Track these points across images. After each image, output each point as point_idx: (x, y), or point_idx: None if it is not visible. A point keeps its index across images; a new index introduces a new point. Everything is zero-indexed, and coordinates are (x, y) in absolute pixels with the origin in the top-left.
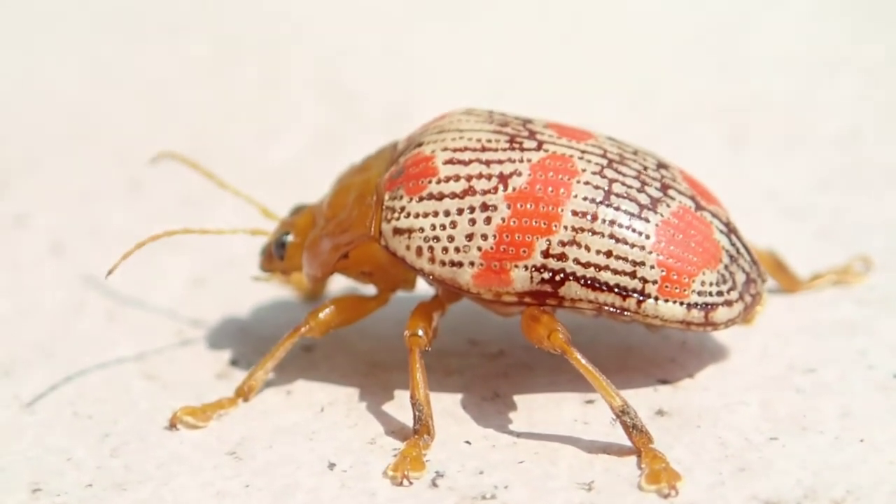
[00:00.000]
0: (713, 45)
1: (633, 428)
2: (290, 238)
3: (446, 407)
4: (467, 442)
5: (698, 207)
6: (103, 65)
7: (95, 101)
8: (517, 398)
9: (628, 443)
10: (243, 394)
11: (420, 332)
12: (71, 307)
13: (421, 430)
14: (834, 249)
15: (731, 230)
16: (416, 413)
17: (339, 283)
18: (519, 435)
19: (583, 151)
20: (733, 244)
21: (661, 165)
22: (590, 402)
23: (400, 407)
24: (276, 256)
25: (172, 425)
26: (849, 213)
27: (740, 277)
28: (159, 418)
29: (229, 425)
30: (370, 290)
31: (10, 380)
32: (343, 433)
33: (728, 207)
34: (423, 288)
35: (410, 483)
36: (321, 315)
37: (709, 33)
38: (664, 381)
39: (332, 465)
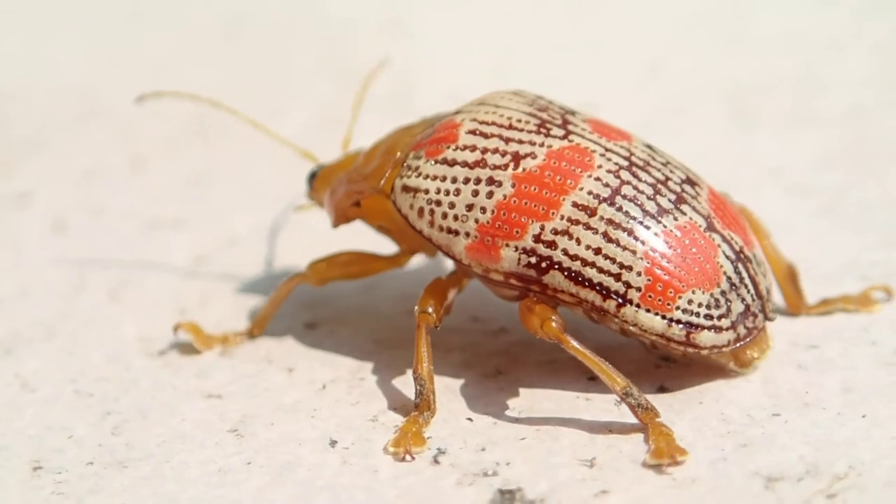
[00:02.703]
0: (719, 23)
1: (639, 407)
2: (317, 171)
3: (448, 384)
4: (469, 419)
5: (709, 228)
6: (108, 43)
7: (100, 80)
8: (519, 375)
9: (631, 419)
10: (249, 333)
11: (430, 310)
12: (73, 286)
13: (422, 405)
14: (837, 226)
15: (741, 259)
16: (418, 388)
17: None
18: (521, 412)
19: (607, 149)
20: (738, 273)
21: (687, 181)
22: (592, 378)
23: (402, 385)
24: (309, 189)
25: (175, 329)
26: (853, 191)
27: (737, 307)
28: (161, 396)
29: (231, 403)
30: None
31: (12, 358)
32: (345, 410)
33: (755, 241)
34: (439, 259)
35: (412, 458)
36: (320, 264)
37: (714, 11)
38: (666, 358)
39: (333, 443)
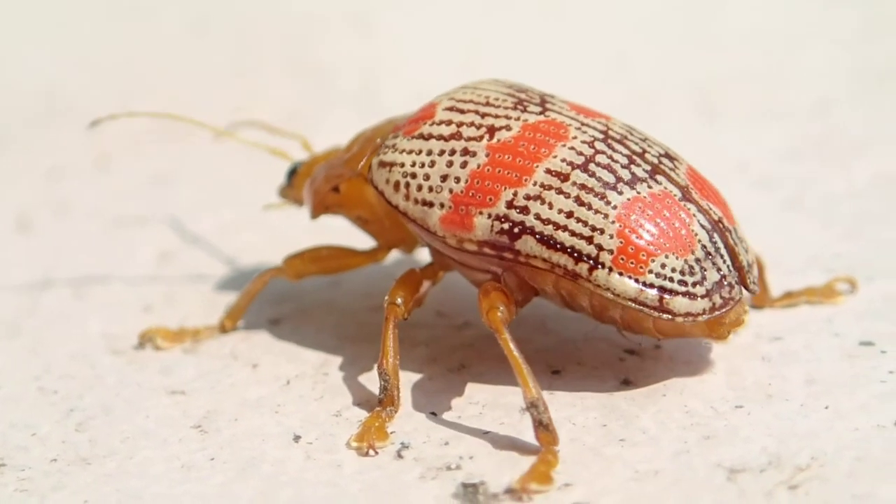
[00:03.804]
0: (684, 17)
1: (540, 425)
2: (300, 166)
3: (412, 379)
4: (433, 413)
5: (685, 198)
6: (73, 42)
7: (64, 79)
8: (483, 369)
9: (594, 413)
10: (221, 327)
11: (399, 301)
12: (37, 284)
13: (385, 401)
14: (802, 219)
15: (717, 230)
16: (382, 383)
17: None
18: (484, 406)
19: (583, 124)
20: (713, 242)
21: (666, 156)
22: (556, 372)
23: (366, 380)
24: (286, 184)
25: (141, 343)
26: (818, 183)
27: (712, 276)
28: (125, 393)
29: (195, 399)
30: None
31: None
32: (309, 406)
33: (735, 218)
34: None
35: (376, 453)
36: (296, 258)
37: (680, 5)
38: (631, 352)
39: (297, 438)
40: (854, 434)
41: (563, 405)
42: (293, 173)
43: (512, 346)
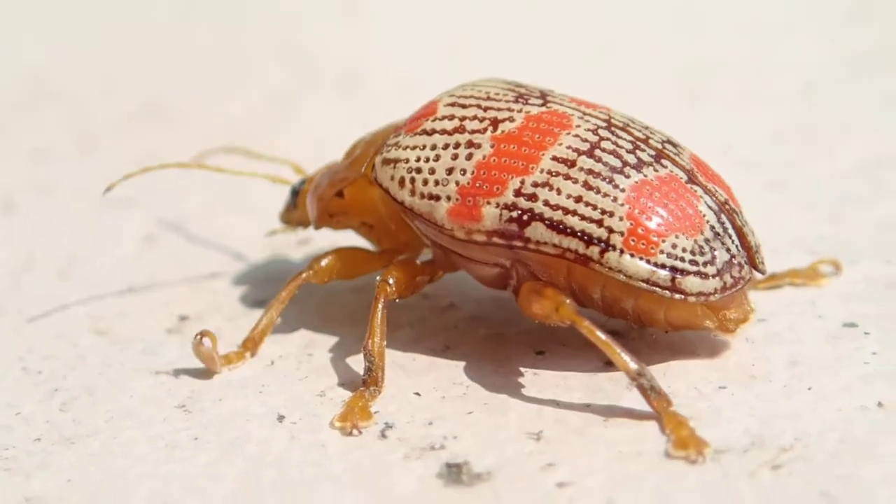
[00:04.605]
0: (672, 4)
1: (652, 391)
2: (303, 185)
3: (397, 359)
4: (417, 394)
5: (691, 181)
6: (59, 25)
7: (52, 62)
8: (467, 350)
9: (577, 393)
10: (250, 347)
11: (391, 281)
12: (21, 264)
13: (369, 381)
14: (786, 202)
15: (724, 211)
16: (367, 363)
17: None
18: (469, 386)
19: (585, 113)
20: (721, 223)
21: (669, 142)
22: (540, 353)
23: (350, 360)
24: (290, 204)
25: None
26: (801, 167)
27: (722, 256)
28: (109, 373)
29: (179, 379)
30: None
31: None
32: (293, 386)
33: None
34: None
35: (360, 433)
36: (324, 262)
37: None
38: (615, 333)
39: (281, 418)
40: (837, 415)
41: (547, 386)
42: (296, 193)
43: (597, 331)
